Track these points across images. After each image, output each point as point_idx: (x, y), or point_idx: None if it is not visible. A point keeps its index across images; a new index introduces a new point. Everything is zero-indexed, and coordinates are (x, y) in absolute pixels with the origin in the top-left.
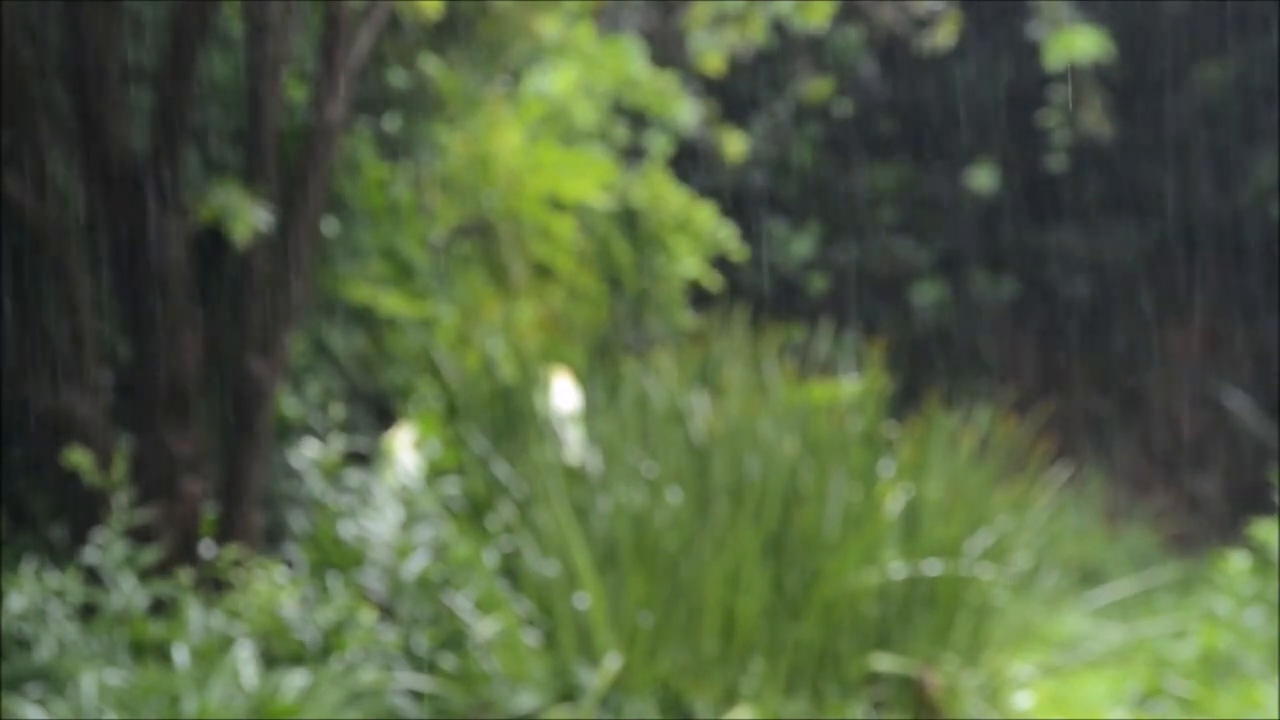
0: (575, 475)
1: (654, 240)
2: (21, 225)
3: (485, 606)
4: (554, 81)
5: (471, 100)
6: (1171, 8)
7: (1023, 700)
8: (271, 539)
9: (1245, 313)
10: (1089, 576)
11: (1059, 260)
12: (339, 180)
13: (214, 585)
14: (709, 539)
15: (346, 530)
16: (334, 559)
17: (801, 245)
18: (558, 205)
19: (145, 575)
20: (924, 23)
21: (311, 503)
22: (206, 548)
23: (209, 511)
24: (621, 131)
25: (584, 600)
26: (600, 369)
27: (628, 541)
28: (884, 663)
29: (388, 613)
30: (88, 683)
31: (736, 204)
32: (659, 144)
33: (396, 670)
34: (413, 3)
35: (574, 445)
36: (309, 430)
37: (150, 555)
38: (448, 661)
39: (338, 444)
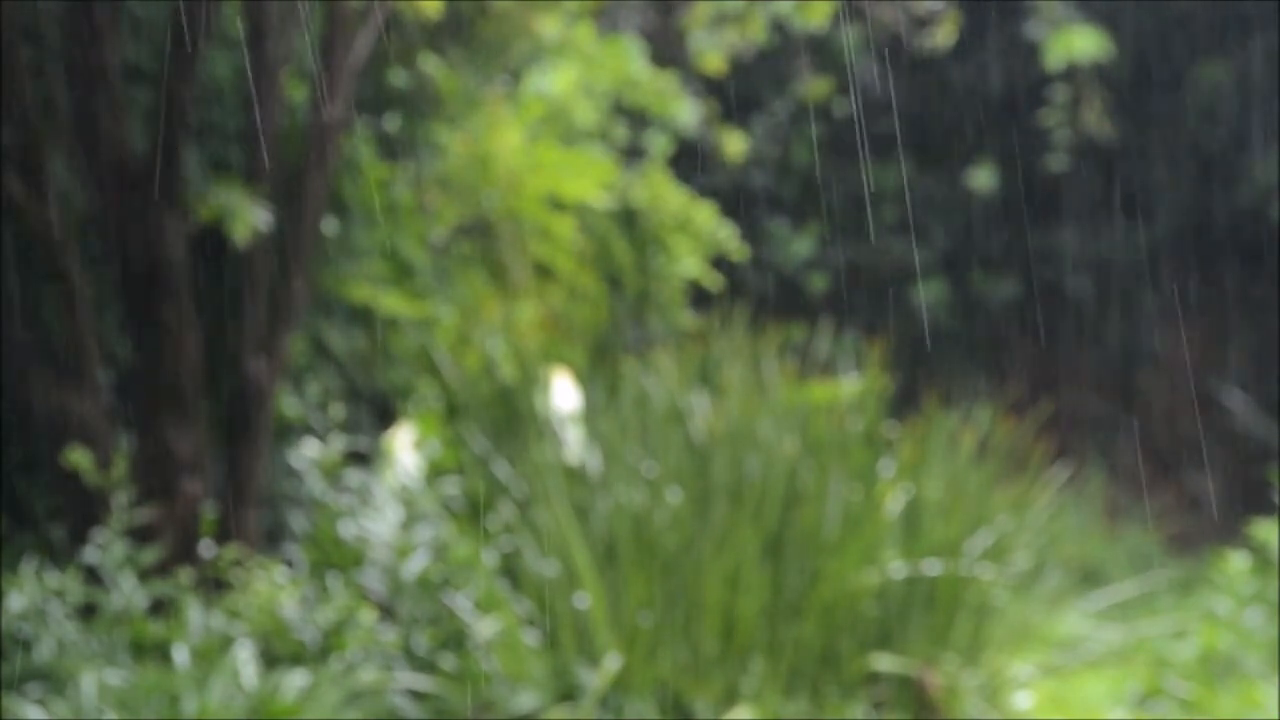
0: (575, 475)
1: (654, 240)
2: (21, 225)
3: (485, 606)
4: (554, 81)
5: (471, 100)
6: (1171, 8)
7: (1023, 700)
8: (271, 539)
9: (1245, 313)
10: (1089, 576)
11: (1059, 260)
12: (339, 180)
13: (214, 585)
14: (709, 539)
15: (346, 530)
16: (334, 559)
17: (801, 245)
18: (558, 205)
19: (145, 575)
20: (924, 23)
21: (311, 503)
22: (206, 548)
23: (209, 511)
24: (621, 131)
25: (584, 600)
26: (600, 369)
27: (628, 541)
28: (884, 663)
29: (388, 613)
30: (88, 683)
31: (736, 204)
32: (659, 144)
33: (396, 670)
34: (413, 3)
35: (574, 445)
36: (309, 430)
37: (150, 555)
38: (448, 661)
39: (338, 444)
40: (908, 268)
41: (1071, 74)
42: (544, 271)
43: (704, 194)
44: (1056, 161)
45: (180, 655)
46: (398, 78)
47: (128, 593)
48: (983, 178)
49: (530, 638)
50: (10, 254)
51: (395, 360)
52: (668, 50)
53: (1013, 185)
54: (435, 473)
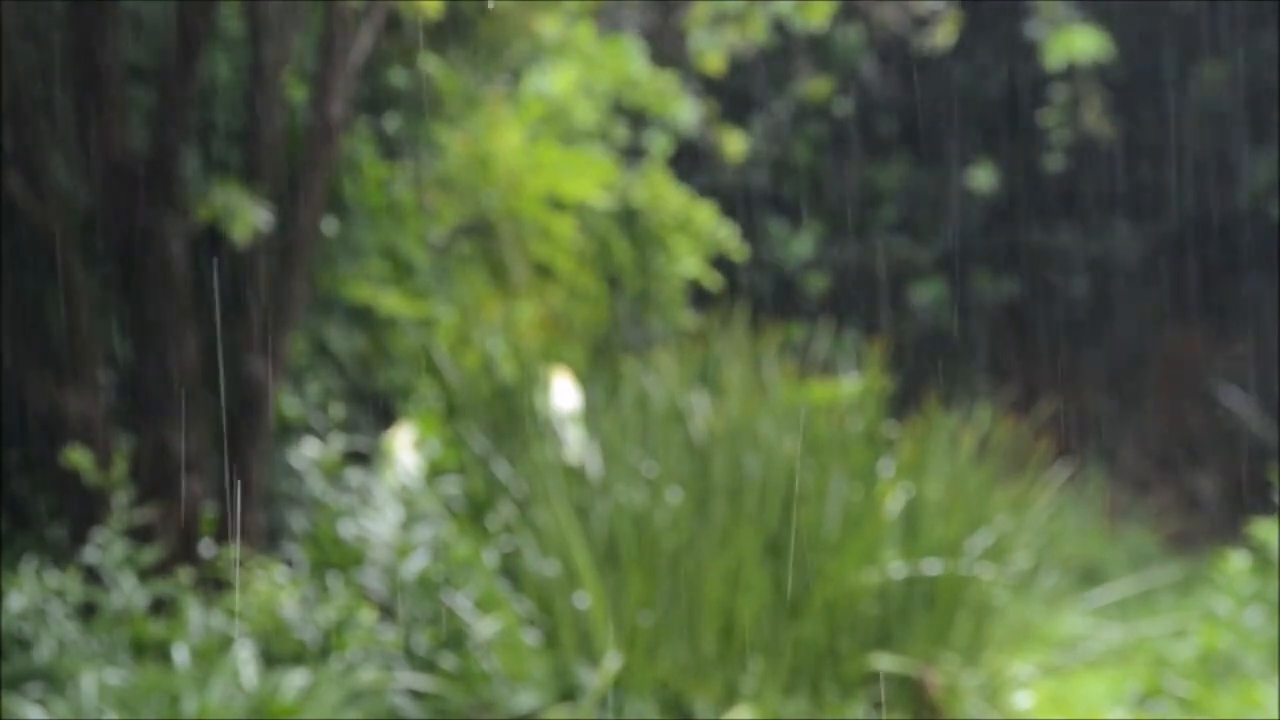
0: (575, 475)
1: (654, 240)
2: (21, 225)
3: (485, 606)
4: (554, 81)
5: (471, 100)
6: (1171, 8)
7: (1023, 700)
8: (271, 539)
9: (1245, 313)
10: (1089, 576)
11: (1059, 260)
12: (339, 180)
13: (214, 585)
14: (709, 539)
15: (346, 530)
16: (334, 559)
17: (801, 245)
18: (558, 205)
19: (145, 575)
20: (924, 23)
21: (311, 503)
22: (206, 548)
23: (209, 511)
24: (621, 131)
25: (584, 600)
26: (600, 369)
27: (628, 541)
28: (884, 663)
29: (388, 612)
30: (88, 683)
31: (736, 204)
32: (659, 144)
33: (396, 670)
34: (413, 3)
35: (574, 445)
36: (309, 430)
37: (150, 555)
38: (448, 661)
39: (338, 444)
40: (908, 268)
41: (1071, 74)
42: (544, 271)
43: (704, 194)
44: (1056, 161)
45: (180, 655)
46: (398, 78)
47: (128, 593)
48: (983, 178)
49: (530, 638)
50: (10, 254)
51: (395, 360)
52: (668, 50)
53: (1013, 185)
54: (435, 473)
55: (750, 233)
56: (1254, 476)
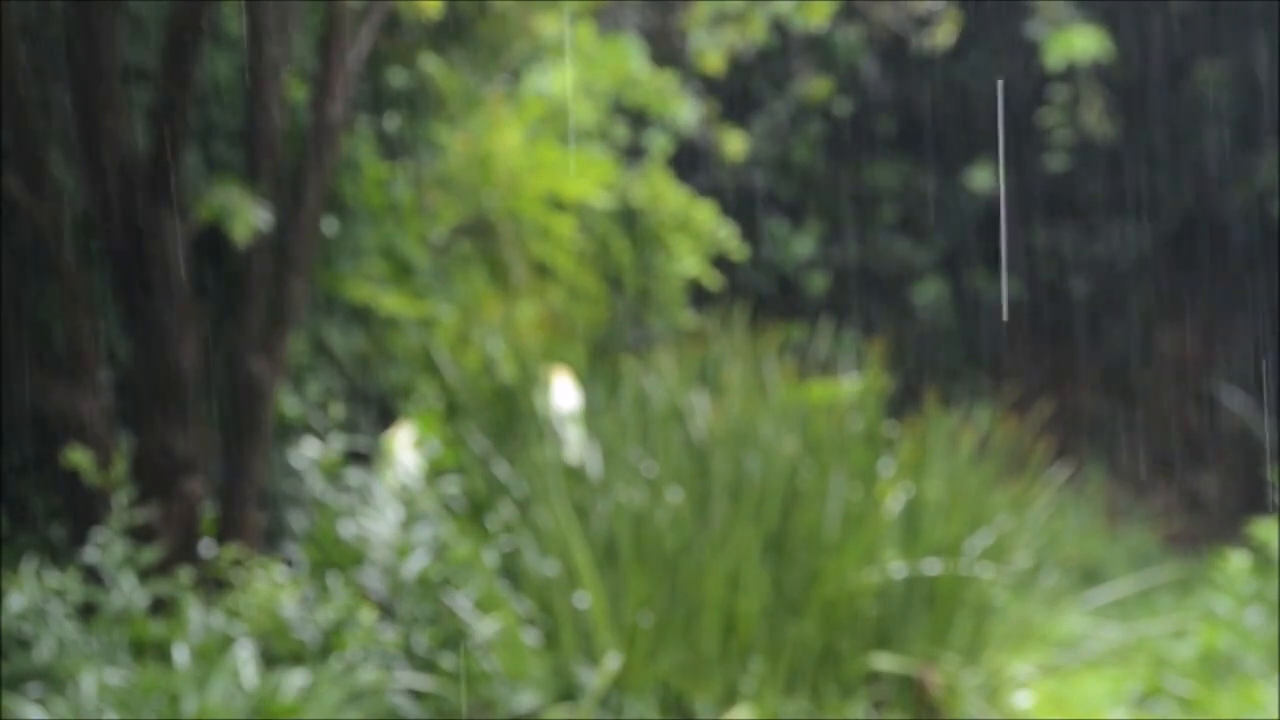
0: (575, 475)
1: (654, 240)
2: (21, 225)
3: (485, 606)
4: (554, 81)
5: (471, 100)
6: (1171, 8)
7: (1023, 700)
8: (271, 539)
9: (1245, 313)
10: (1089, 576)
11: (1059, 260)
12: (339, 180)
13: (214, 585)
14: (709, 539)
15: (346, 530)
16: (334, 559)
17: (801, 245)
18: (558, 205)
19: (145, 575)
20: (924, 23)
21: (311, 502)
22: (206, 548)
23: (209, 511)
24: (621, 131)
25: (584, 600)
26: (600, 369)
27: (628, 541)
28: (884, 662)
29: (388, 612)
30: (88, 682)
31: (736, 204)
32: (659, 144)
33: (396, 670)
34: (413, 3)
35: (574, 445)
36: (309, 430)
37: (150, 555)
38: (448, 661)
39: (338, 444)
40: (908, 268)
41: (1071, 74)
42: (544, 271)
43: (704, 194)
44: (1056, 161)
45: (180, 655)
46: (398, 78)
47: (128, 592)
48: (983, 178)
49: (530, 638)
50: (10, 254)
51: (395, 360)
52: (668, 50)
53: (1013, 185)
54: (435, 472)
55: (750, 233)
56: (1254, 476)
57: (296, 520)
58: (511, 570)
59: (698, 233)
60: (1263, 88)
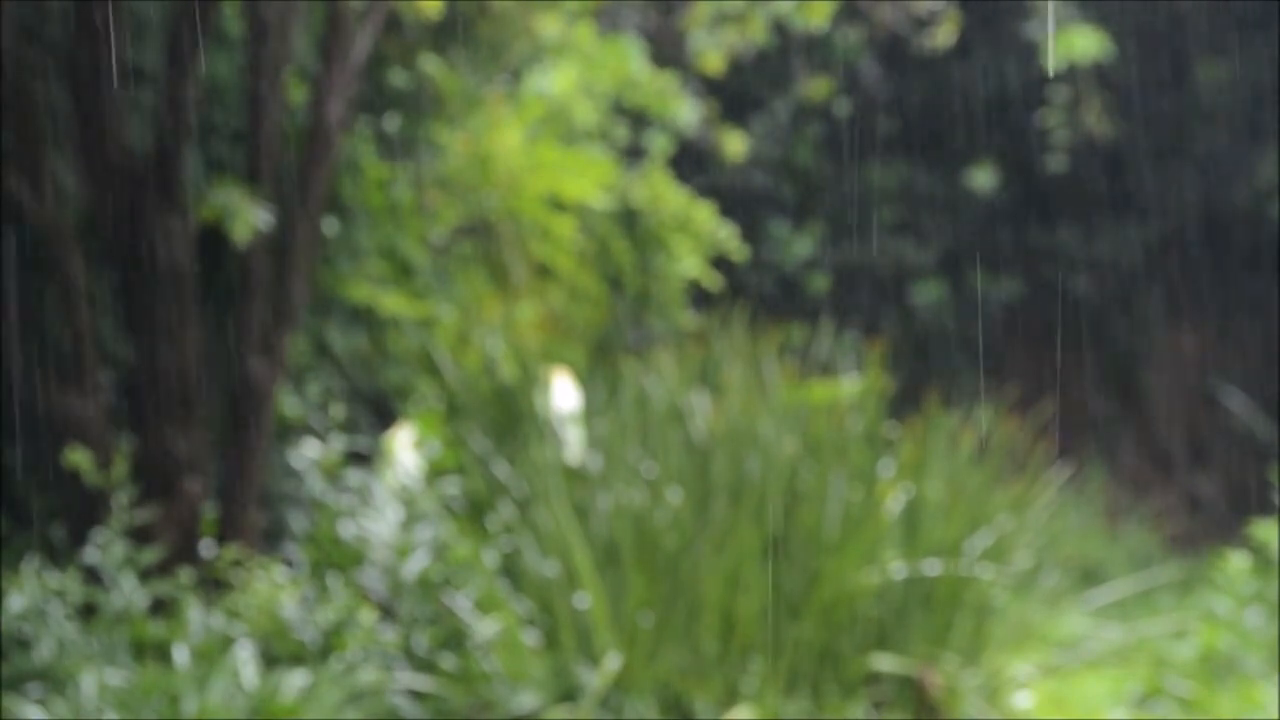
0: (575, 475)
1: (654, 240)
2: (21, 225)
3: (485, 606)
4: (554, 81)
5: (471, 100)
6: (1171, 8)
7: (1023, 700)
8: (271, 539)
9: (1245, 313)
10: (1089, 576)
11: (1059, 260)
12: (339, 180)
13: (214, 585)
14: (709, 539)
15: (346, 530)
16: (334, 559)
17: (801, 245)
18: (558, 205)
19: (145, 575)
20: (924, 23)
21: (311, 503)
22: (206, 548)
23: (209, 511)
24: (621, 131)
25: (584, 600)
26: (600, 369)
27: (628, 541)
28: (884, 663)
29: (388, 613)
30: (88, 683)
31: (736, 204)
32: (659, 144)
33: (396, 670)
34: (413, 3)
35: (574, 445)
36: (309, 430)
37: (150, 555)
38: (448, 661)
39: (338, 444)
40: (908, 268)
41: (1071, 74)
42: (544, 271)
43: (704, 194)
44: (1056, 161)
45: (180, 655)
46: (398, 78)
47: (128, 593)
48: (983, 178)
49: (530, 638)
50: (10, 254)
51: (395, 360)
52: (668, 50)
53: (1013, 185)
54: (435, 473)
55: (750, 233)
56: (1254, 477)
57: (296, 520)
58: (511, 571)
59: (698, 233)
60: (1263, 88)
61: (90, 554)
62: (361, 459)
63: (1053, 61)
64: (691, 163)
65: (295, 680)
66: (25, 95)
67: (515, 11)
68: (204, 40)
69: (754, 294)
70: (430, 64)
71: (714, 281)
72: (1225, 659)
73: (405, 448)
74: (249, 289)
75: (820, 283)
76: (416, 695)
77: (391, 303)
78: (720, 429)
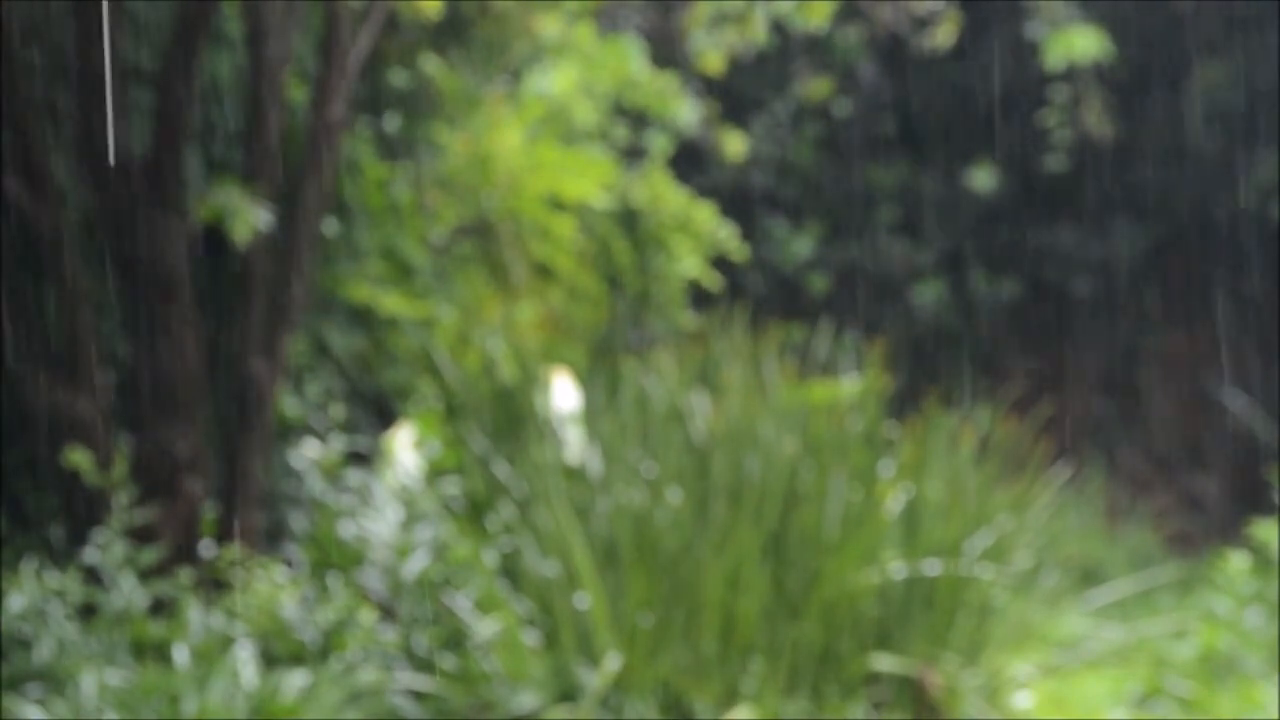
0: (575, 475)
1: (654, 240)
2: (21, 225)
3: (485, 606)
4: (554, 81)
5: (471, 100)
6: (1171, 8)
7: (1023, 700)
8: (271, 539)
9: (1246, 313)
10: (1089, 576)
11: (1059, 260)
12: (339, 180)
13: (214, 585)
14: (709, 539)
15: (346, 530)
16: (334, 559)
17: (801, 245)
18: (558, 205)
19: (145, 575)
20: (924, 23)
21: (311, 503)
22: (206, 548)
23: (209, 511)
24: (621, 131)
25: (584, 600)
26: (600, 369)
27: (628, 541)
28: (884, 663)
29: (388, 613)
30: (88, 683)
31: (736, 204)
32: (659, 144)
33: (396, 670)
34: (413, 3)
35: (574, 445)
36: (309, 430)
37: (150, 555)
38: (448, 661)
39: (338, 444)
40: (908, 268)
41: (1071, 74)
42: (544, 271)
43: (704, 194)
44: (1056, 161)
45: (180, 655)
46: (398, 78)
47: (128, 593)
48: (983, 178)
49: (530, 638)
50: (10, 254)
51: (395, 360)
52: (668, 50)
53: (1013, 185)
54: (435, 473)
55: (750, 233)
56: (1254, 477)
57: (296, 521)
58: (511, 571)
59: (698, 233)
60: (1263, 88)
61: (90, 554)
62: (361, 459)
63: (1050, 60)
64: (691, 163)
65: (295, 680)
66: (25, 95)
67: (515, 11)
68: (204, 40)
69: (754, 294)
70: (430, 64)
71: (714, 281)
72: (1225, 659)
73: (405, 448)
74: (249, 289)
75: (820, 283)
76: (416, 695)
77: (391, 303)
78: (720, 429)
